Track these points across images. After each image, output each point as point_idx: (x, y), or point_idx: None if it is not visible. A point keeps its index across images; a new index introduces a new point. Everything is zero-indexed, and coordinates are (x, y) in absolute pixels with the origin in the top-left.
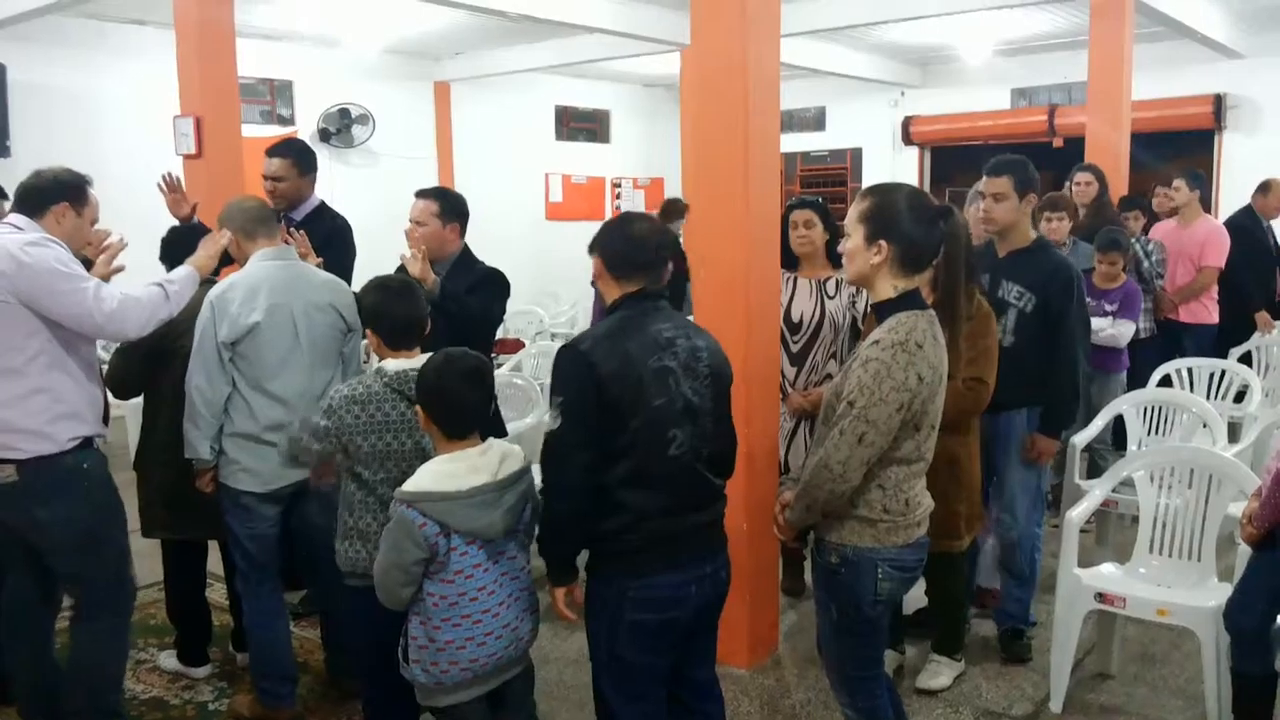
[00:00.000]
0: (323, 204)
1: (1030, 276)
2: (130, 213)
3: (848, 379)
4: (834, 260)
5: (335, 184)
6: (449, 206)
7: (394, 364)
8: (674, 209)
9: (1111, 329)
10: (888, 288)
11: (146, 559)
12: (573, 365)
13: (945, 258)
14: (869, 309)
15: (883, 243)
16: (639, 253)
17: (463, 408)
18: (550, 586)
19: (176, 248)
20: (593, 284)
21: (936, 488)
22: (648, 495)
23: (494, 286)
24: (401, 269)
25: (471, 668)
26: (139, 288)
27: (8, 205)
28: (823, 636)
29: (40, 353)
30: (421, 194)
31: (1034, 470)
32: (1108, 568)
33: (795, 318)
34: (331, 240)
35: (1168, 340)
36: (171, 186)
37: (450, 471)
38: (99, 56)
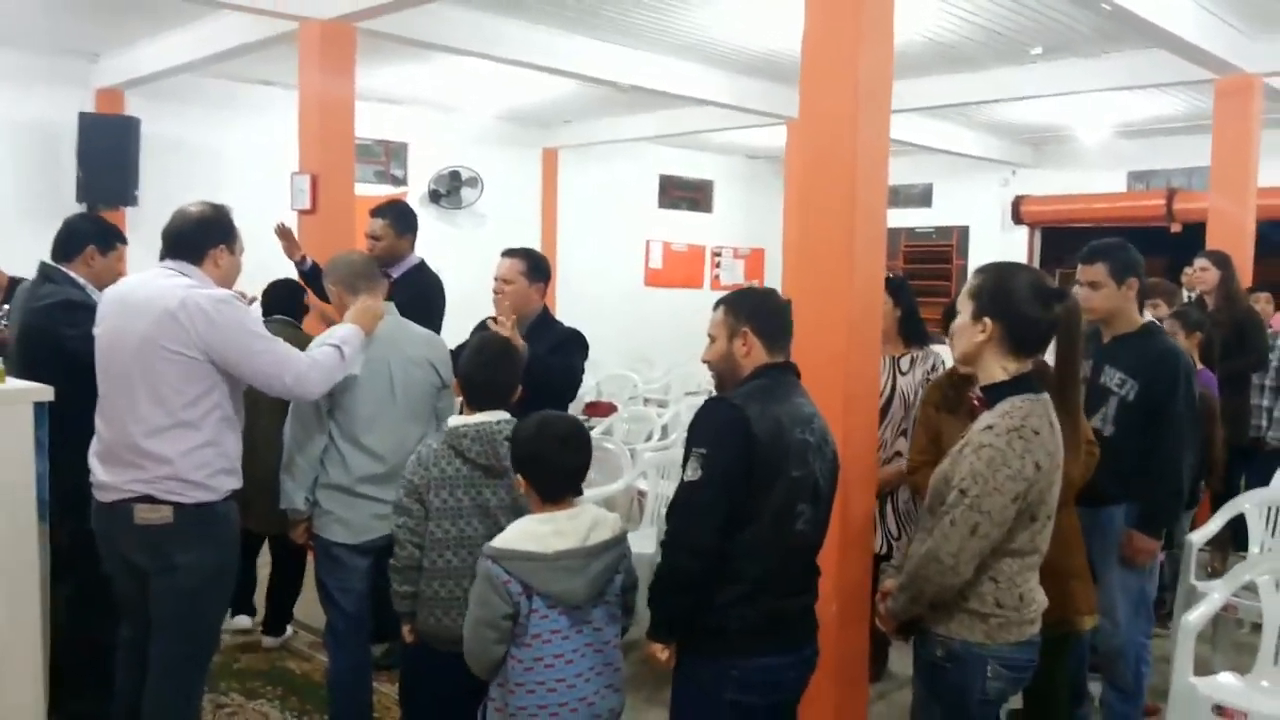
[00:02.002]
0: (421, 262)
1: (1133, 363)
2: (248, 263)
3: (958, 465)
4: (907, 337)
5: (442, 244)
6: (534, 266)
7: (456, 420)
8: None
9: None
10: (997, 369)
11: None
12: (727, 418)
13: (1060, 343)
14: (958, 382)
15: (988, 320)
16: (788, 322)
17: (557, 471)
18: (648, 640)
19: (275, 299)
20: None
21: (1080, 560)
22: (767, 568)
23: (575, 346)
24: (482, 326)
25: None
26: (318, 350)
27: (125, 249)
28: None
29: (215, 408)
30: (509, 253)
31: (1136, 573)
32: (1226, 677)
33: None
34: (420, 296)
35: None
36: (284, 234)
37: (537, 533)
38: (226, 114)
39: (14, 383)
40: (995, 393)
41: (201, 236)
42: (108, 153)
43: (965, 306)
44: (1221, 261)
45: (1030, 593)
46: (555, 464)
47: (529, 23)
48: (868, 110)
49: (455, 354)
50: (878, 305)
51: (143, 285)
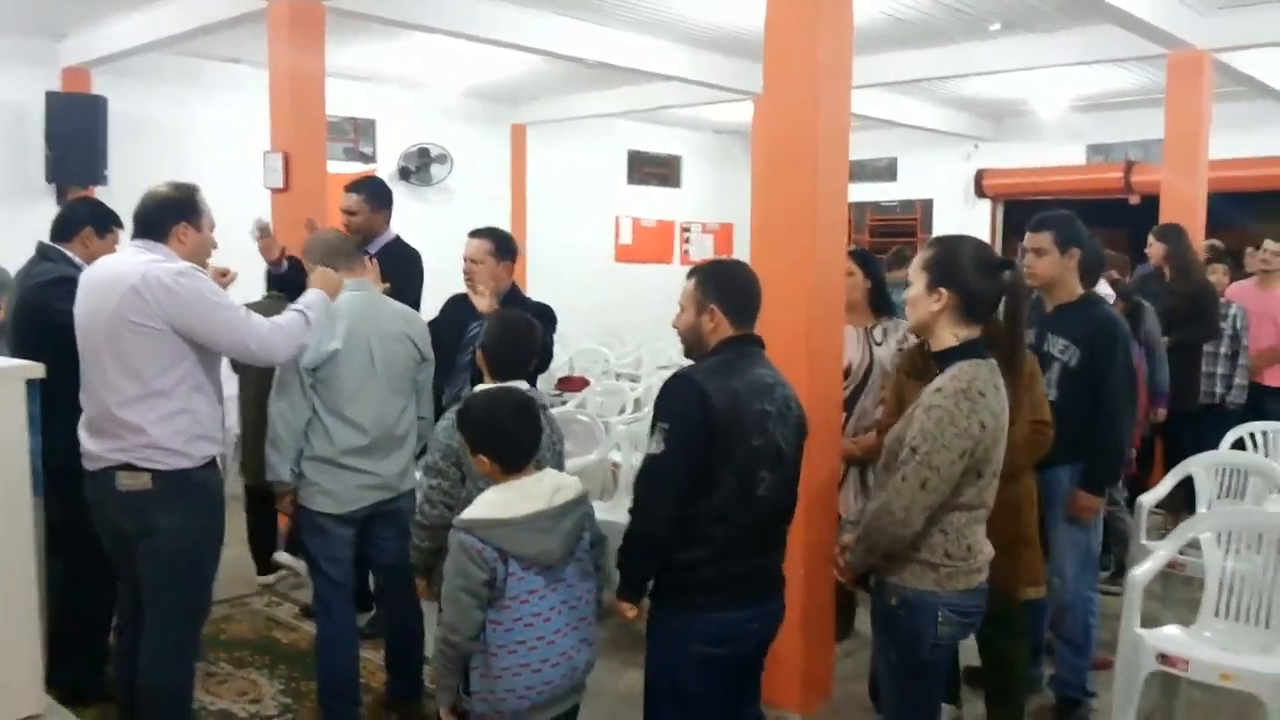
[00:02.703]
0: (397, 238)
1: (1075, 330)
2: (221, 241)
3: (910, 425)
4: (877, 308)
5: (412, 220)
6: (502, 245)
7: (487, 387)
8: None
9: None
10: (949, 335)
11: (218, 580)
12: (686, 394)
13: (1007, 309)
14: (927, 352)
15: (943, 290)
16: (756, 298)
17: (516, 442)
18: (618, 599)
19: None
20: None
21: (1028, 532)
22: (730, 531)
23: (547, 321)
24: (454, 300)
25: (528, 695)
26: (281, 315)
27: (122, 232)
28: (880, 679)
29: (186, 376)
30: (476, 234)
31: (1082, 529)
32: (1171, 629)
33: (843, 365)
34: (399, 270)
35: (1247, 404)
36: (263, 233)
37: (504, 500)
38: (194, 92)
39: (5, 360)
40: (945, 358)
41: (165, 215)
42: (76, 132)
43: (919, 278)
44: (1167, 234)
45: (977, 544)
46: (513, 435)
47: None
48: (828, 87)
49: (429, 327)
50: (840, 277)
51: (111, 264)
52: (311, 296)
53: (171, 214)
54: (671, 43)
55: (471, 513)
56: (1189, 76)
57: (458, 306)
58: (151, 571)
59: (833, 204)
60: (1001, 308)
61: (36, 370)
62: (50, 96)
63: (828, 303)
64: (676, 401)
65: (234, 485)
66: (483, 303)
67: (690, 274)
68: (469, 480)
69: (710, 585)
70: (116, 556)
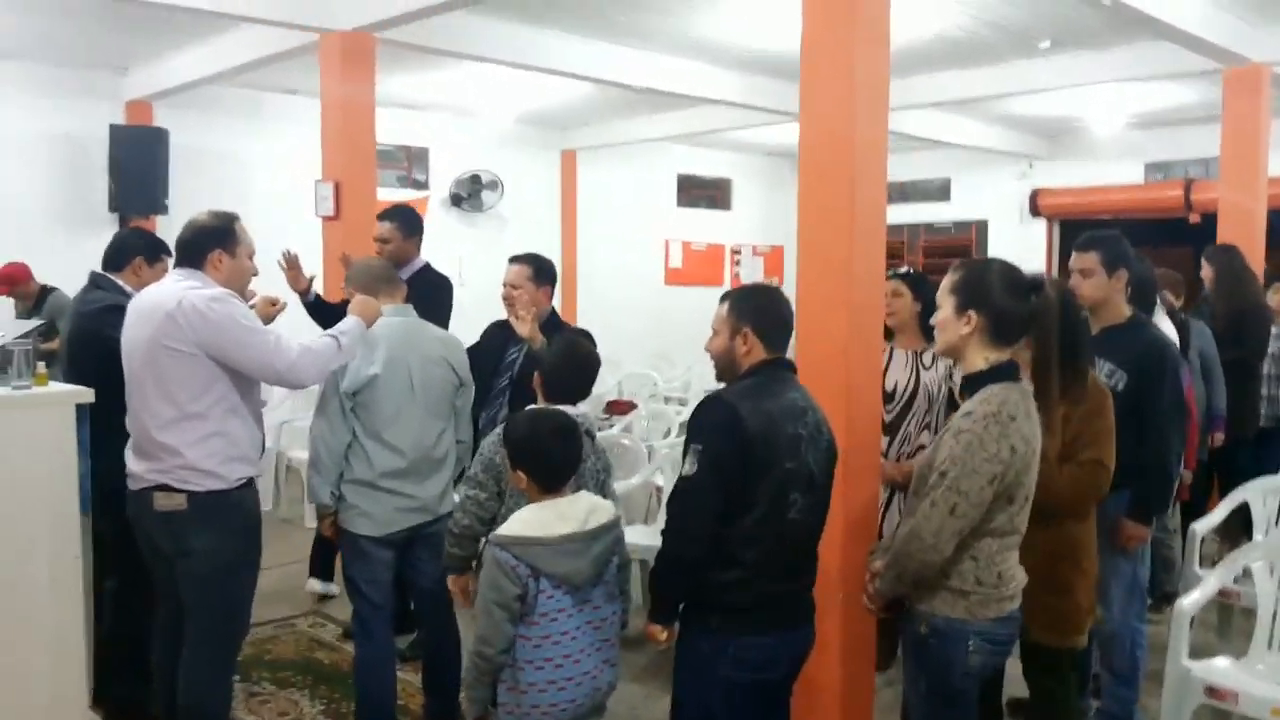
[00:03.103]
0: (427, 264)
1: (1122, 354)
2: (275, 269)
3: (939, 450)
4: (926, 332)
5: (464, 247)
6: (539, 270)
7: (539, 409)
8: None
9: None
10: (979, 359)
11: (265, 602)
12: (720, 415)
13: (1037, 331)
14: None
15: (972, 313)
16: (788, 323)
17: (554, 462)
18: (649, 623)
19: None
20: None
21: (1059, 577)
22: (762, 554)
23: None
24: (494, 326)
25: (552, 711)
26: (314, 339)
27: (170, 261)
28: (910, 708)
29: (221, 399)
30: (515, 259)
31: (1129, 559)
32: (1221, 661)
33: (889, 388)
34: (430, 296)
35: None
36: (290, 264)
37: (540, 519)
38: (253, 123)
39: (56, 385)
40: (976, 381)
41: (202, 242)
42: (138, 163)
43: (947, 302)
44: (1214, 255)
45: (1009, 571)
46: (552, 456)
47: (542, 28)
48: (865, 108)
49: (470, 353)
50: (878, 298)
51: (153, 292)
52: (348, 323)
53: (208, 241)
54: (718, 67)
55: (508, 529)
56: (1246, 91)
57: (497, 333)
58: (189, 591)
59: (871, 224)
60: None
61: (86, 395)
62: (114, 129)
63: (866, 324)
64: (710, 423)
65: (283, 509)
66: (524, 328)
67: (723, 298)
68: (508, 497)
69: (741, 609)
70: (157, 574)
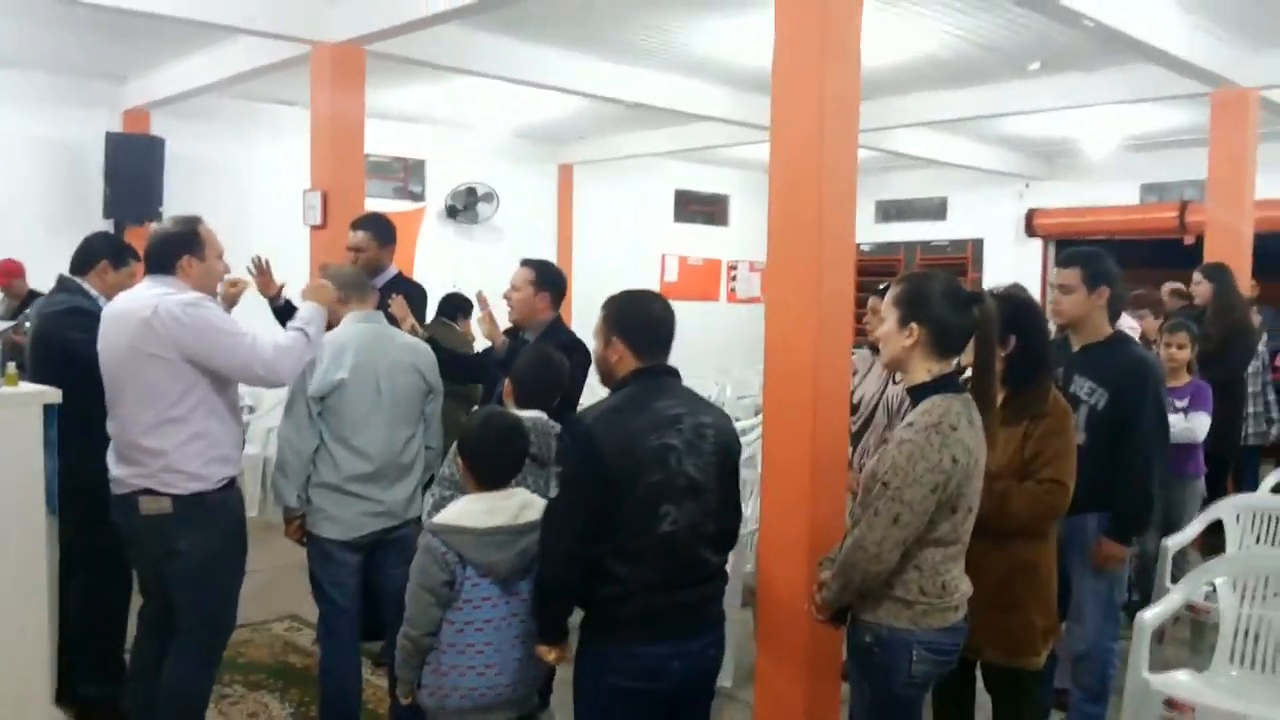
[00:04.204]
0: (399, 273)
1: (1103, 372)
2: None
3: (883, 460)
4: None
5: (459, 258)
6: (544, 277)
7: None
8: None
9: (1186, 422)
10: (921, 371)
11: (243, 605)
12: (576, 440)
13: (977, 343)
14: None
15: (914, 325)
16: (662, 329)
17: (494, 460)
18: (537, 643)
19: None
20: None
21: (1012, 596)
22: (636, 568)
23: (572, 353)
24: (506, 333)
25: (470, 695)
26: (283, 336)
27: (136, 265)
28: (855, 717)
29: (200, 403)
30: (524, 263)
31: (1104, 579)
32: (1181, 674)
33: (856, 399)
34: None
35: None
36: (260, 269)
37: (473, 511)
38: (248, 133)
39: (24, 386)
40: (919, 393)
41: (169, 249)
42: (134, 171)
43: (891, 314)
44: (1211, 273)
45: (953, 581)
46: (494, 454)
47: (536, 43)
48: (834, 127)
49: (480, 357)
50: (846, 316)
51: (126, 299)
52: (307, 311)
53: (176, 248)
54: (710, 83)
55: (441, 518)
56: (1233, 114)
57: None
58: (178, 590)
59: (839, 240)
60: (973, 343)
61: (53, 396)
62: (110, 137)
63: (834, 338)
64: (569, 446)
65: (269, 513)
66: (484, 326)
67: (602, 306)
68: None
69: (627, 620)
70: (146, 575)
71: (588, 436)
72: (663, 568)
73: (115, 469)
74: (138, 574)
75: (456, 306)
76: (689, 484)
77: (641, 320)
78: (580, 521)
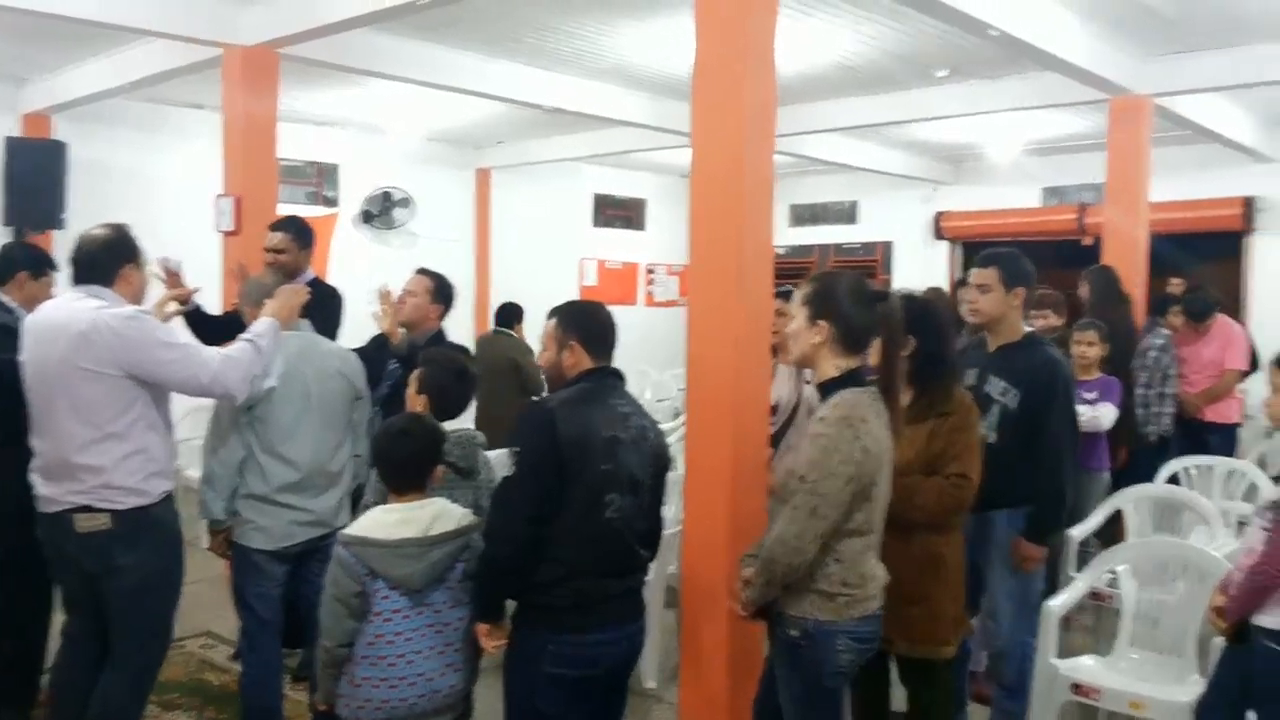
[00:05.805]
0: (316, 278)
1: (1015, 372)
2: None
3: (799, 456)
4: None
5: (375, 264)
6: (441, 291)
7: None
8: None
9: (1093, 411)
10: (830, 367)
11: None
12: (536, 420)
13: (882, 341)
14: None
15: (822, 323)
16: (611, 333)
17: (394, 463)
18: (475, 622)
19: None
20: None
21: (920, 588)
22: (579, 552)
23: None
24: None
25: (383, 708)
26: (231, 346)
27: (57, 275)
28: (784, 711)
29: (139, 418)
30: (423, 271)
31: (1020, 576)
32: (1086, 659)
33: (771, 401)
34: (322, 307)
35: (1191, 440)
36: (170, 272)
37: (384, 521)
38: (156, 137)
39: None
40: (829, 388)
41: (110, 258)
42: (35, 176)
43: (800, 313)
44: (1091, 276)
45: (870, 570)
46: (391, 456)
47: (452, 48)
48: (754, 135)
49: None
50: (766, 319)
51: (56, 310)
52: (262, 324)
53: (117, 257)
54: (627, 89)
55: (352, 529)
56: (1130, 121)
57: (382, 345)
58: (113, 608)
59: (759, 245)
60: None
61: None
62: (10, 141)
63: (753, 343)
64: (528, 428)
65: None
66: (384, 323)
67: (550, 314)
68: None
69: (563, 607)
70: (76, 594)
71: (550, 419)
72: (602, 554)
73: (43, 487)
74: (64, 593)
75: (512, 314)
76: (630, 479)
77: (596, 324)
78: (533, 502)
